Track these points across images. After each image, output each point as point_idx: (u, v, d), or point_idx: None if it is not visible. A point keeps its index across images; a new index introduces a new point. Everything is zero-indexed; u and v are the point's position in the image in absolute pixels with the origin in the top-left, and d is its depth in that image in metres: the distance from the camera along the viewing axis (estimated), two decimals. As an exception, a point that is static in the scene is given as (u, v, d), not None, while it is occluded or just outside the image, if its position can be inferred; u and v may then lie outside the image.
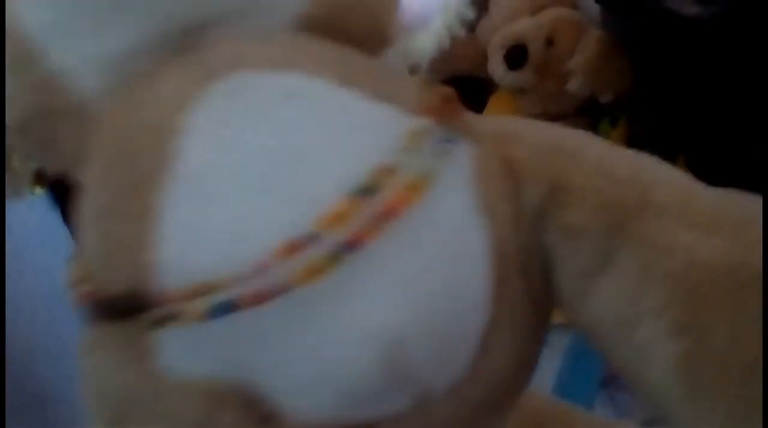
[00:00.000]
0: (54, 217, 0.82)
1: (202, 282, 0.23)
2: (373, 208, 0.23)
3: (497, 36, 0.83)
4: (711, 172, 0.75)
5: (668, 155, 0.86)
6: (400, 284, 0.24)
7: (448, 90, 0.27)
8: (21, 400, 0.75)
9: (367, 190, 0.24)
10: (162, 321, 0.24)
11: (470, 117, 0.28)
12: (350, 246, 0.23)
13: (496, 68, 0.83)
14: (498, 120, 0.29)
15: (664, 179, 0.27)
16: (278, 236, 0.23)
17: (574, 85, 0.77)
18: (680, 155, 0.79)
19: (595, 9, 0.77)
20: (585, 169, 0.26)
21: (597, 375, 0.80)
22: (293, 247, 0.23)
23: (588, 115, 0.83)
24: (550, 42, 0.81)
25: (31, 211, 0.71)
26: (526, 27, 0.81)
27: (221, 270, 0.23)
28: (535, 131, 0.29)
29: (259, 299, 0.23)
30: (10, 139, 0.30)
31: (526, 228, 0.27)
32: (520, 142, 0.27)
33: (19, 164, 0.34)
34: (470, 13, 0.43)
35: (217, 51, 0.26)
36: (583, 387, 0.71)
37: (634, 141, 0.82)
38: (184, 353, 0.25)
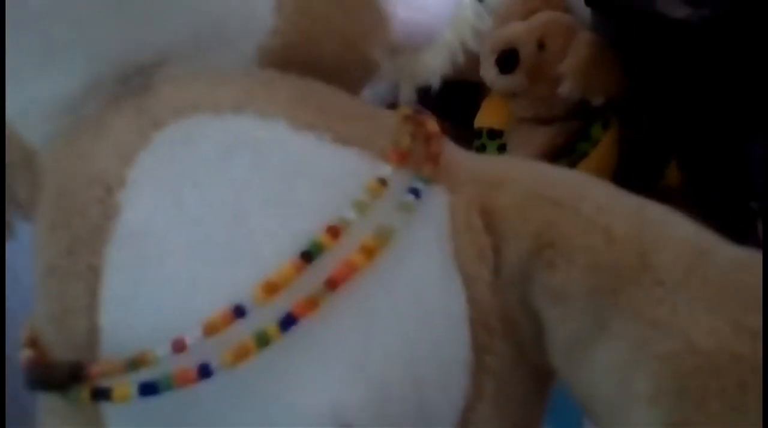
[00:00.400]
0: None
1: (130, 358, 0.22)
2: (317, 275, 0.21)
3: (489, 40, 0.83)
4: (703, 174, 0.76)
5: (661, 157, 0.87)
6: (348, 359, 0.22)
7: (432, 126, 0.25)
8: (15, 411, 0.74)
9: (309, 255, 0.21)
10: (95, 395, 0.23)
11: (452, 157, 0.25)
12: (285, 324, 0.21)
13: (488, 72, 0.83)
14: (484, 160, 0.26)
15: (669, 238, 0.23)
16: (212, 307, 0.21)
17: (566, 89, 0.77)
18: (672, 157, 0.80)
19: (586, 12, 0.78)
20: (577, 222, 0.23)
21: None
22: (221, 323, 0.21)
23: (580, 118, 0.84)
24: (541, 45, 0.81)
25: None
26: (517, 31, 0.81)
27: (157, 340, 0.21)
28: (522, 175, 0.25)
29: (186, 380, 0.21)
30: None
31: (511, 288, 0.24)
32: (504, 188, 0.25)
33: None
34: (485, 23, 0.39)
35: (163, 95, 0.24)
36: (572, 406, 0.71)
37: (626, 144, 0.82)
38: (132, 426, 0.24)
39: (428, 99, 1.14)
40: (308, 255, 0.21)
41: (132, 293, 0.22)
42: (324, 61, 0.26)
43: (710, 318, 0.21)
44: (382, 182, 0.22)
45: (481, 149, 0.92)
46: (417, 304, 0.22)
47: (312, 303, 0.21)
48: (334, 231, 0.22)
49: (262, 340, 0.21)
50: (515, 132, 0.88)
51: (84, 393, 0.23)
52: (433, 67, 0.35)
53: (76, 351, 0.23)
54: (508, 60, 0.81)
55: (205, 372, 0.21)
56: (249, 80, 0.24)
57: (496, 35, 0.82)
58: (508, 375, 0.24)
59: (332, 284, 0.21)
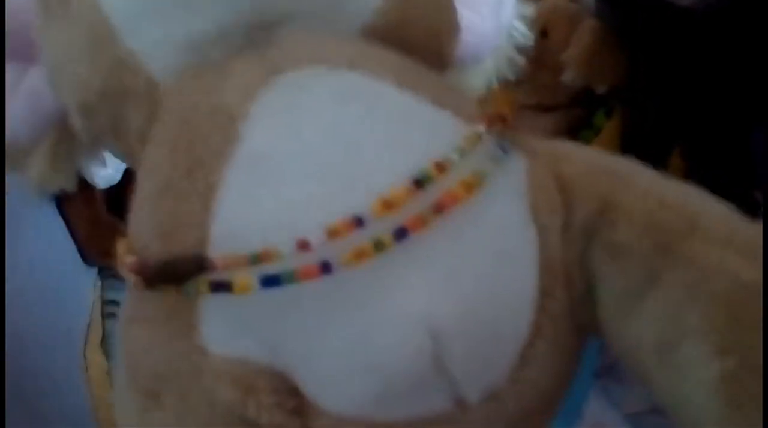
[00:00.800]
0: (48, 211, 0.81)
1: (254, 253, 0.24)
2: (425, 200, 0.24)
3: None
4: (706, 163, 0.75)
5: (664, 145, 0.87)
6: (442, 277, 0.25)
7: (505, 110, 0.28)
8: (15, 393, 0.75)
9: (420, 183, 0.24)
10: (214, 287, 0.25)
11: (523, 134, 0.29)
12: (398, 235, 0.24)
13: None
14: (548, 141, 0.29)
15: (712, 207, 0.27)
16: (331, 218, 0.24)
17: (569, 76, 0.77)
18: (676, 146, 0.79)
19: (590, 0, 0.77)
20: (635, 191, 0.27)
21: (592, 365, 0.80)
22: (343, 229, 0.24)
23: (583, 105, 0.83)
24: (544, 33, 0.81)
25: (25, 205, 0.71)
26: (520, 18, 0.81)
27: (273, 245, 0.24)
28: (585, 152, 0.30)
29: (307, 275, 0.24)
30: (74, 121, 0.31)
31: (574, 244, 0.27)
32: (572, 160, 0.28)
33: (53, 163, 0.34)
34: (520, 59, 0.44)
35: (286, 47, 0.26)
36: (578, 378, 0.71)
37: (630, 132, 0.82)
38: (225, 330, 0.26)
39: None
40: (419, 183, 0.24)
41: (250, 206, 0.24)
42: (412, 45, 0.29)
43: (754, 265, 0.24)
44: (477, 136, 0.25)
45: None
46: (499, 241, 0.26)
47: (421, 221, 0.24)
48: (440, 167, 0.25)
49: (379, 246, 0.24)
50: (518, 119, 0.87)
51: (203, 285, 0.25)
52: (474, 85, 0.39)
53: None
54: (511, 47, 0.81)
55: (326, 268, 0.24)
56: (361, 45, 0.28)
57: (500, 22, 0.82)
58: (561, 322, 0.27)
59: (439, 208, 0.24)
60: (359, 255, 0.24)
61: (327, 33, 0.28)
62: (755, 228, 0.27)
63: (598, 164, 0.28)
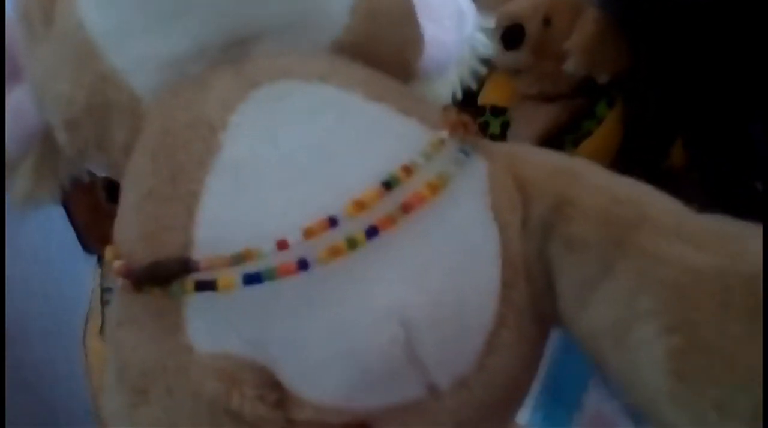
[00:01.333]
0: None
1: (236, 253, 0.26)
2: (394, 201, 0.26)
3: (494, 15, 0.82)
4: (708, 153, 0.75)
5: (666, 136, 0.87)
6: (412, 271, 0.27)
7: (467, 116, 0.30)
8: (16, 381, 0.75)
9: (389, 185, 0.26)
10: (199, 287, 0.26)
11: (483, 139, 0.31)
12: (369, 233, 0.26)
13: (493, 48, 0.82)
14: (506, 144, 0.32)
15: (660, 201, 0.29)
16: (307, 219, 0.26)
17: (571, 66, 0.76)
18: (677, 136, 0.79)
19: (593, -12, 0.77)
20: (588, 188, 0.29)
21: (591, 362, 0.80)
22: (318, 229, 0.26)
23: (585, 95, 0.83)
24: (547, 22, 0.80)
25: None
26: (522, 6, 0.80)
27: (254, 245, 0.26)
28: (540, 153, 0.32)
29: (286, 271, 0.26)
30: (59, 137, 0.32)
31: (533, 239, 0.29)
32: (528, 161, 0.31)
33: (45, 172, 0.36)
34: (482, 69, 0.45)
35: (260, 62, 0.28)
36: (578, 368, 0.72)
37: (632, 122, 0.82)
38: (209, 328, 0.28)
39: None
40: (388, 185, 0.27)
41: (231, 210, 0.26)
42: (379, 59, 0.31)
43: (700, 251, 0.27)
44: (441, 141, 0.28)
45: (485, 126, 0.92)
46: (463, 238, 0.28)
47: (391, 220, 0.26)
48: (407, 170, 0.27)
49: (351, 244, 0.26)
50: (519, 109, 0.87)
51: (188, 285, 0.27)
52: (439, 95, 0.41)
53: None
54: (513, 36, 0.80)
55: (303, 265, 0.26)
56: (331, 59, 0.30)
57: (502, 10, 0.82)
58: (524, 312, 0.29)
59: (406, 208, 0.27)
60: (334, 253, 0.26)
61: (299, 49, 0.30)
62: (700, 219, 0.29)
63: (553, 164, 0.30)
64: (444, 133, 0.29)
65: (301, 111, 0.28)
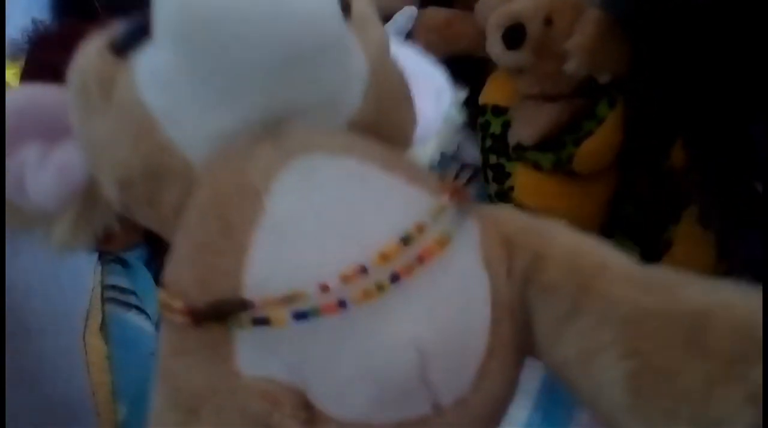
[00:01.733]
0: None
1: (286, 294, 0.31)
2: (411, 253, 0.32)
3: (495, 15, 0.82)
4: (708, 153, 0.75)
5: (666, 136, 0.87)
6: (426, 310, 0.32)
7: (459, 183, 0.36)
8: (16, 377, 0.75)
9: (406, 240, 0.32)
10: (255, 322, 0.31)
11: (474, 203, 0.37)
12: (393, 279, 0.32)
13: (494, 48, 0.82)
14: (492, 207, 0.39)
15: (615, 254, 0.36)
16: (343, 267, 0.31)
17: (572, 66, 0.76)
18: (678, 136, 0.79)
19: (594, -12, 0.77)
20: (558, 245, 0.35)
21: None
22: (353, 275, 0.31)
23: (586, 95, 0.83)
24: (548, 21, 0.80)
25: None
26: (524, 6, 0.81)
27: (300, 289, 0.31)
28: (519, 216, 0.38)
29: (329, 310, 0.31)
30: (109, 193, 0.37)
31: (515, 285, 0.35)
32: (511, 222, 0.37)
33: (81, 222, 0.40)
34: (457, 138, 0.56)
35: (295, 136, 0.34)
36: (563, 404, 0.71)
37: (632, 122, 0.82)
38: (255, 356, 0.33)
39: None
40: (405, 240, 0.32)
41: (277, 260, 0.32)
42: (384, 135, 0.37)
43: (648, 295, 0.33)
44: (444, 206, 0.34)
45: (486, 126, 0.92)
46: (463, 284, 0.34)
47: (410, 269, 0.32)
48: (419, 228, 0.33)
49: (380, 288, 0.32)
50: (520, 109, 0.87)
51: (245, 321, 0.32)
52: (424, 158, 0.50)
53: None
54: (514, 35, 0.81)
55: (342, 304, 0.31)
56: (349, 135, 0.35)
57: (503, 10, 0.82)
58: (508, 345, 0.35)
59: (421, 259, 0.32)
60: (367, 296, 0.31)
61: (323, 126, 0.35)
62: (647, 270, 0.35)
63: (530, 225, 0.37)
64: (445, 198, 0.34)
65: (330, 179, 0.33)
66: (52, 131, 0.38)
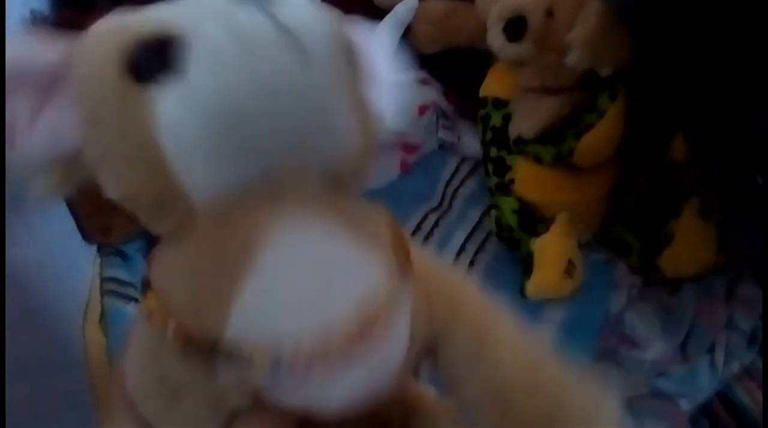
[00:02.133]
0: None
1: (267, 342, 0.34)
2: (368, 321, 0.36)
3: (496, 7, 0.82)
4: (710, 146, 0.75)
5: (668, 129, 0.86)
6: (363, 377, 0.37)
7: (402, 230, 0.40)
8: (15, 370, 0.75)
9: (367, 309, 0.36)
10: (235, 362, 0.34)
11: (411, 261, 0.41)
12: (351, 347, 0.35)
13: (495, 40, 0.82)
14: (421, 261, 0.42)
15: (505, 316, 0.42)
16: (317, 322, 0.35)
17: (573, 58, 0.76)
18: (679, 129, 0.79)
19: (596, -20, 0.77)
20: (461, 304, 0.42)
21: (591, 349, 0.80)
22: (322, 341, 0.34)
23: (587, 88, 0.83)
24: (550, 14, 0.80)
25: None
26: (525, -2, 0.80)
27: (279, 337, 0.34)
28: (428, 270, 0.43)
29: (295, 371, 0.34)
30: (107, 187, 0.38)
31: (431, 338, 0.41)
32: (430, 281, 0.42)
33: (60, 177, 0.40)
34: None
35: (291, 198, 0.37)
36: (577, 358, 0.71)
37: (634, 115, 0.82)
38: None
39: (435, 67, 1.13)
40: (365, 304, 0.36)
41: (261, 309, 0.35)
42: (344, 185, 0.39)
43: (516, 360, 0.40)
44: (394, 268, 0.38)
45: (486, 118, 0.92)
46: (403, 330, 0.39)
47: (365, 336, 0.35)
48: (377, 292, 0.37)
49: (343, 357, 0.35)
50: (521, 101, 0.87)
51: (225, 358, 0.35)
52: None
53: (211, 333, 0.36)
54: (515, 28, 0.80)
55: (308, 368, 0.34)
56: (332, 196, 0.38)
57: (504, 2, 0.81)
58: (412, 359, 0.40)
59: (374, 321, 0.36)
60: (329, 363, 0.35)
61: (312, 186, 0.38)
62: (529, 334, 0.41)
63: (447, 290, 0.42)
64: (394, 261, 0.38)
65: (311, 237, 0.37)
66: (47, 85, 0.38)
